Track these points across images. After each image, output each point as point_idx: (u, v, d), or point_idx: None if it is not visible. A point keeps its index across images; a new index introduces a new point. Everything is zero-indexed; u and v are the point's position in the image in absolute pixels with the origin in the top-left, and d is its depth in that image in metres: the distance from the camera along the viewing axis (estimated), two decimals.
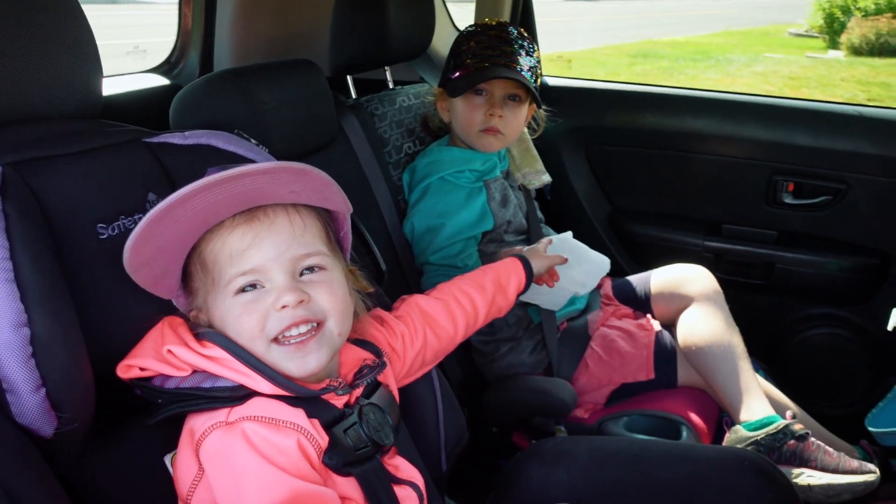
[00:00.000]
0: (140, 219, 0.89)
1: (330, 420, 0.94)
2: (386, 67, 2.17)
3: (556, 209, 2.43)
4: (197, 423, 0.91)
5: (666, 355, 1.84)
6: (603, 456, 1.21)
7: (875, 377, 2.18)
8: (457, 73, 1.87)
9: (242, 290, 0.94)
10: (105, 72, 1.11)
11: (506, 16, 2.41)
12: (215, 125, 1.26)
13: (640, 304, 2.01)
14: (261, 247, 0.94)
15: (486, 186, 1.90)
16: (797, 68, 10.49)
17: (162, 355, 0.92)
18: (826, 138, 2.14)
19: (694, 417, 1.75)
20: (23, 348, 0.83)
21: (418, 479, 1.03)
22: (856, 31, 11.97)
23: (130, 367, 0.94)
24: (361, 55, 1.93)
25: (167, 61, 2.31)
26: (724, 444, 1.71)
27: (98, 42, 1.09)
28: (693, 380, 1.84)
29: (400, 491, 0.99)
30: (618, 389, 1.83)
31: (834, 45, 12.49)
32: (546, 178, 2.08)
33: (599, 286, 2.06)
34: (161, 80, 2.23)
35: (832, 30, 12.88)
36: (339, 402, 0.97)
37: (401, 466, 1.03)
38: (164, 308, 1.02)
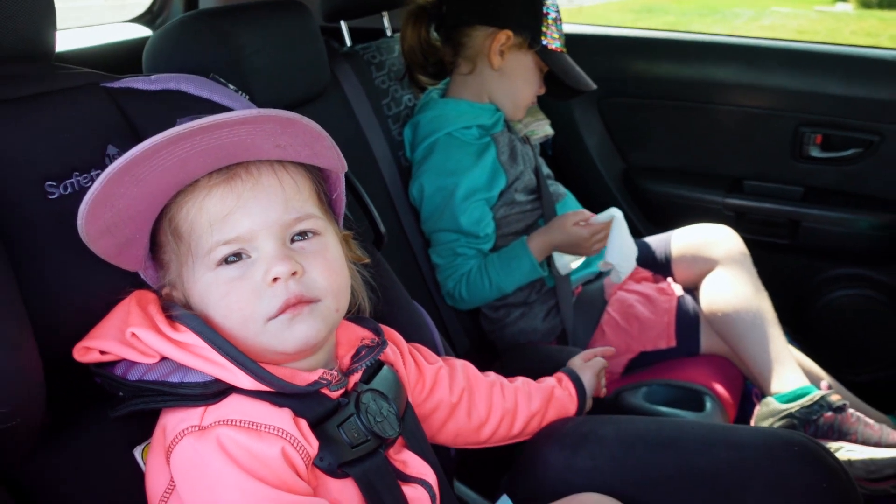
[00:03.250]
0: (98, 175, 0.75)
1: (322, 415, 0.81)
2: (384, 13, 2.01)
3: (566, 167, 2.30)
4: (170, 423, 0.79)
5: (688, 322, 1.75)
6: (633, 439, 1.07)
7: None
8: (548, 40, 1.71)
9: (225, 260, 0.80)
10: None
11: None
12: (189, 73, 1.11)
13: (660, 267, 1.90)
14: (247, 210, 0.80)
15: (495, 141, 1.76)
16: (805, 22, 10.27)
17: (126, 338, 0.79)
18: (861, 86, 2.00)
19: (718, 388, 1.67)
20: None
21: (430, 476, 0.90)
22: None
23: (89, 350, 0.80)
24: None
25: (149, 10, 2.22)
26: (754, 418, 1.62)
27: None
28: (717, 347, 1.76)
29: (409, 490, 0.86)
30: (636, 358, 1.75)
31: None
32: (549, 128, 1.92)
33: None
34: (143, 31, 2.11)
35: None
36: (334, 392, 0.84)
37: (410, 462, 0.90)
38: (136, 278, 0.88)
